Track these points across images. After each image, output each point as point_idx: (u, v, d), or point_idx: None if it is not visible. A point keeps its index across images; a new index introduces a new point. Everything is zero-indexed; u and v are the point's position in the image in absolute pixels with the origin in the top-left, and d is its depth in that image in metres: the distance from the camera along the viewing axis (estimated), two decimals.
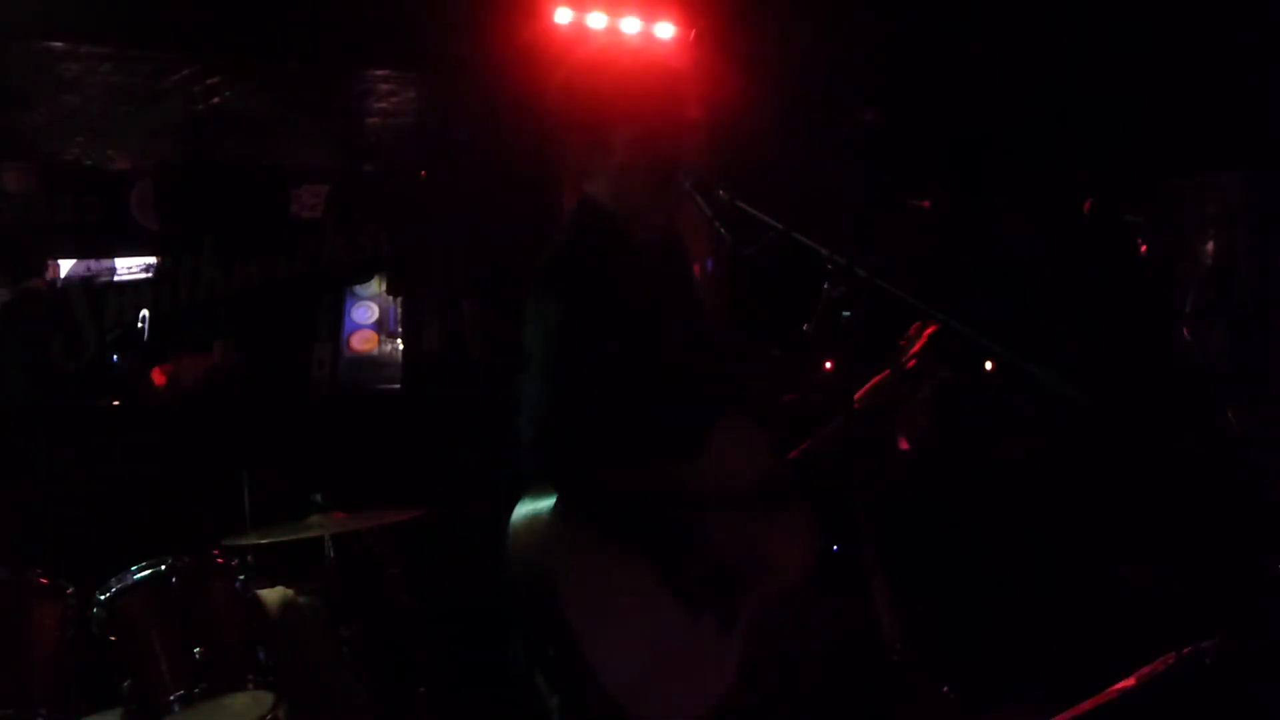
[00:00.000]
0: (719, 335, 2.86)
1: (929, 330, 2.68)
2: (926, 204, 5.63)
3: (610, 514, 2.41)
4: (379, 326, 5.82)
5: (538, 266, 2.52)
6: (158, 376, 5.07)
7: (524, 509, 2.39)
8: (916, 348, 2.68)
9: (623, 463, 2.40)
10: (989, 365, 2.59)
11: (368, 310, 5.79)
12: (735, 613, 2.50)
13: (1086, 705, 2.75)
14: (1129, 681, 2.74)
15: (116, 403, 5.01)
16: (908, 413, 2.68)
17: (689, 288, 2.81)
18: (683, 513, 2.46)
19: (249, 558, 3.66)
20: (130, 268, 5.15)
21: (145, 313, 5.00)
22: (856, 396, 2.65)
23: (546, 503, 2.36)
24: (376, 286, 5.77)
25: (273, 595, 3.92)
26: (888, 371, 2.69)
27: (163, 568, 3.37)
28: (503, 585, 2.40)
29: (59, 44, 4.68)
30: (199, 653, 3.29)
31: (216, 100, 5.06)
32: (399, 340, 5.80)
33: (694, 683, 2.44)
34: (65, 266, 5.08)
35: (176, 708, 3.25)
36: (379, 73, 5.35)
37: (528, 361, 2.43)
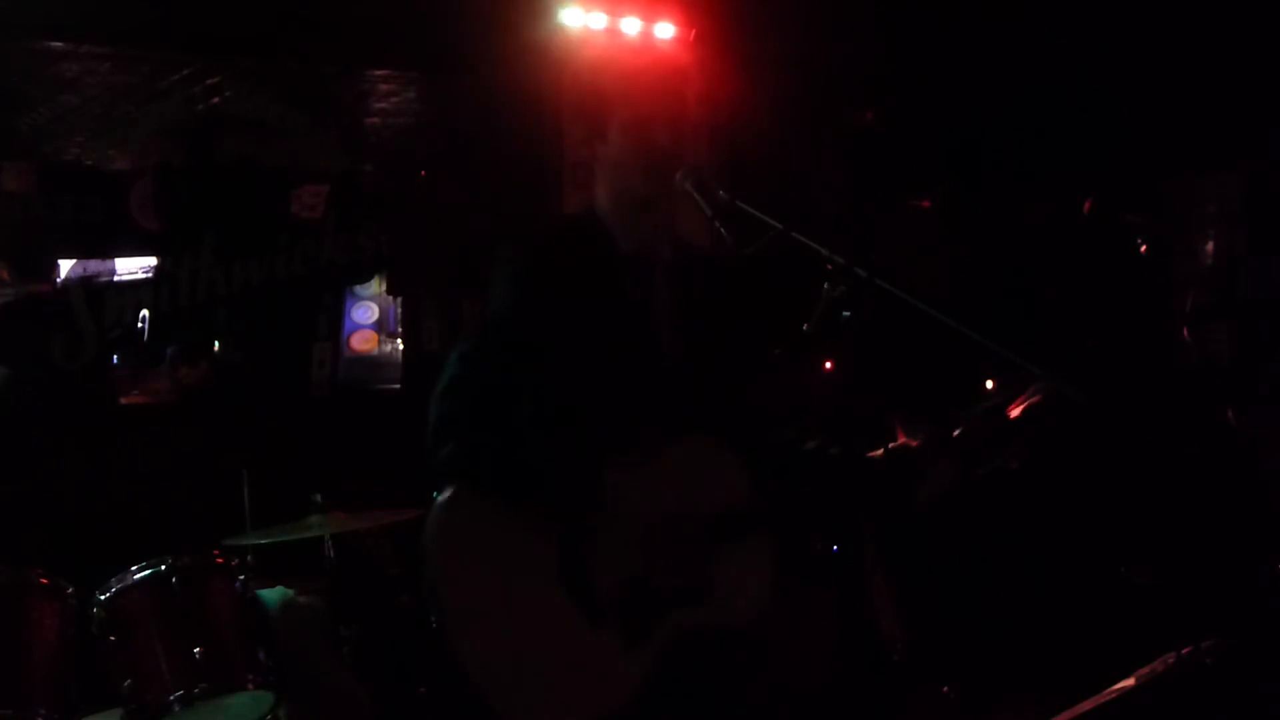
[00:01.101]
0: (730, 353, 2.76)
1: (1035, 399, 2.59)
2: (926, 204, 5.63)
3: (511, 497, 2.41)
4: (379, 326, 5.82)
5: (501, 250, 2.58)
6: (157, 380, 5.07)
7: (445, 492, 2.43)
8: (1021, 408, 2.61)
9: (531, 449, 2.40)
10: (990, 384, 2.58)
11: (368, 310, 5.79)
12: (646, 632, 2.42)
13: (1086, 705, 2.75)
14: (1129, 681, 2.74)
15: (116, 403, 5.01)
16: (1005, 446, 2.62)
17: (703, 306, 2.70)
18: (587, 509, 2.41)
19: (249, 558, 3.66)
20: (130, 268, 5.15)
21: (145, 313, 5.00)
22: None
23: (453, 491, 2.41)
24: (376, 286, 5.76)
25: (273, 595, 3.93)
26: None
27: (163, 568, 3.36)
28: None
29: (59, 44, 4.69)
30: (199, 653, 3.29)
31: (216, 100, 5.06)
32: (399, 340, 5.80)
33: (578, 690, 2.37)
34: (65, 267, 5.07)
35: (176, 708, 3.25)
36: (379, 73, 5.35)
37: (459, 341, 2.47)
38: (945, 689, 4.00)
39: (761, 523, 2.57)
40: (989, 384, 2.59)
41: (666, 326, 2.64)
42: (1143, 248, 3.21)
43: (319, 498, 3.91)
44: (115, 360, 5.04)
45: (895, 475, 2.61)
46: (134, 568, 3.37)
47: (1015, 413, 2.59)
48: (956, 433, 2.58)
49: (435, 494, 2.46)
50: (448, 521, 2.40)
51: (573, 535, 2.41)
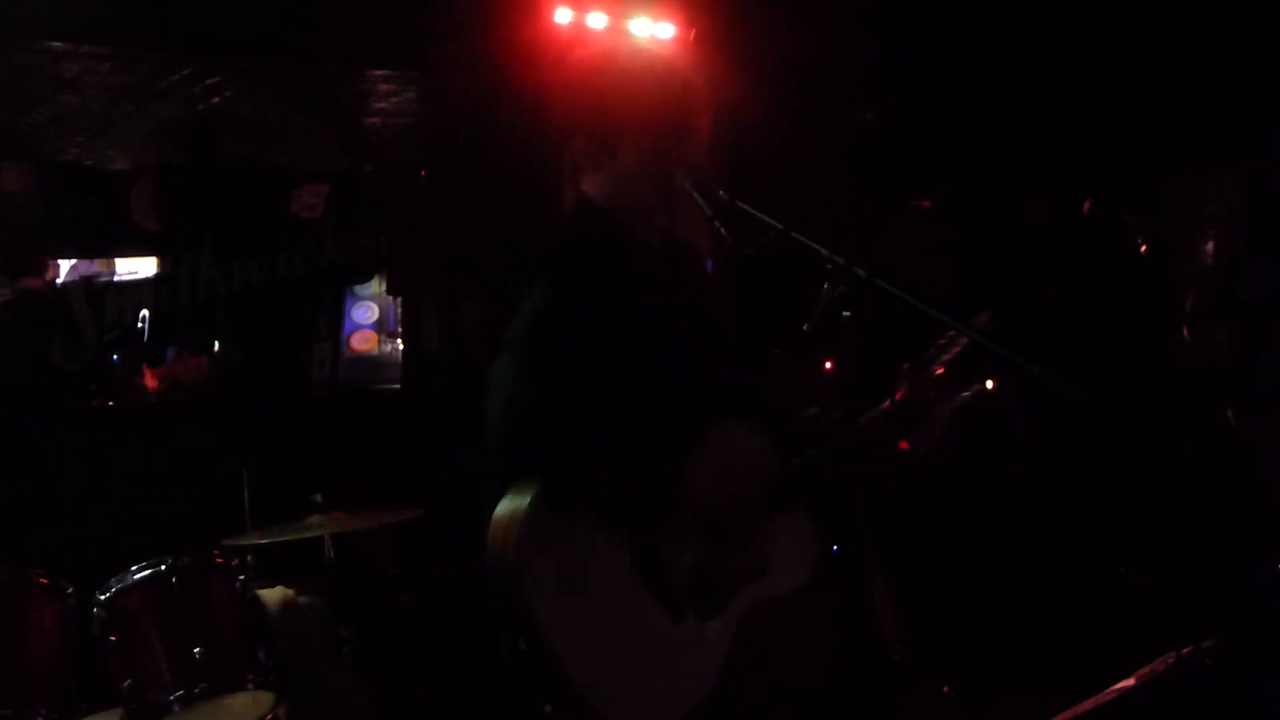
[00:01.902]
0: (729, 340, 2.80)
1: (960, 343, 2.62)
2: (927, 204, 5.63)
3: (590, 508, 2.38)
4: (379, 326, 5.82)
5: (529, 258, 2.52)
6: (150, 380, 5.06)
7: (505, 504, 2.36)
8: (948, 357, 2.63)
9: (606, 456, 2.37)
10: (990, 384, 2.57)
11: (368, 310, 5.79)
12: (721, 617, 2.47)
13: (1086, 705, 2.75)
14: (1129, 681, 2.74)
15: (116, 403, 5.01)
16: (926, 424, 2.61)
17: (697, 292, 2.76)
18: (668, 511, 2.43)
19: (249, 558, 3.67)
20: (130, 268, 5.15)
21: (145, 313, 5.00)
22: (879, 410, 2.60)
23: (526, 497, 2.33)
24: (376, 286, 5.76)
25: (273, 595, 3.93)
26: (905, 386, 2.62)
27: (163, 568, 3.37)
28: (484, 583, 2.38)
29: (59, 44, 4.68)
30: (199, 653, 3.29)
31: (216, 100, 5.06)
32: (399, 340, 5.80)
33: (671, 686, 2.39)
34: (65, 267, 5.08)
35: (176, 708, 3.25)
36: (379, 73, 5.35)
37: (503, 346, 2.41)
38: (945, 689, 4.00)
39: (797, 490, 2.60)
40: (989, 384, 2.59)
41: (683, 324, 2.67)
42: (1143, 248, 3.21)
43: (319, 498, 3.91)
44: (115, 360, 5.04)
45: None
46: (134, 568, 3.38)
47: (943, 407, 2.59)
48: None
49: (487, 509, 2.41)
50: (532, 537, 2.31)
51: (643, 534, 2.41)
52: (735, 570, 2.49)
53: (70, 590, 3.35)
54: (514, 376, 2.38)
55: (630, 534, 2.39)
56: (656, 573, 2.40)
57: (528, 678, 2.36)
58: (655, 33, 5.30)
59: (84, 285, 4.96)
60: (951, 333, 2.59)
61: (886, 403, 2.57)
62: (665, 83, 2.57)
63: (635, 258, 2.59)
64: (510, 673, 2.43)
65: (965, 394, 2.60)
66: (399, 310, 5.78)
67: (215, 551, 3.57)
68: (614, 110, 2.54)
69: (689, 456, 2.48)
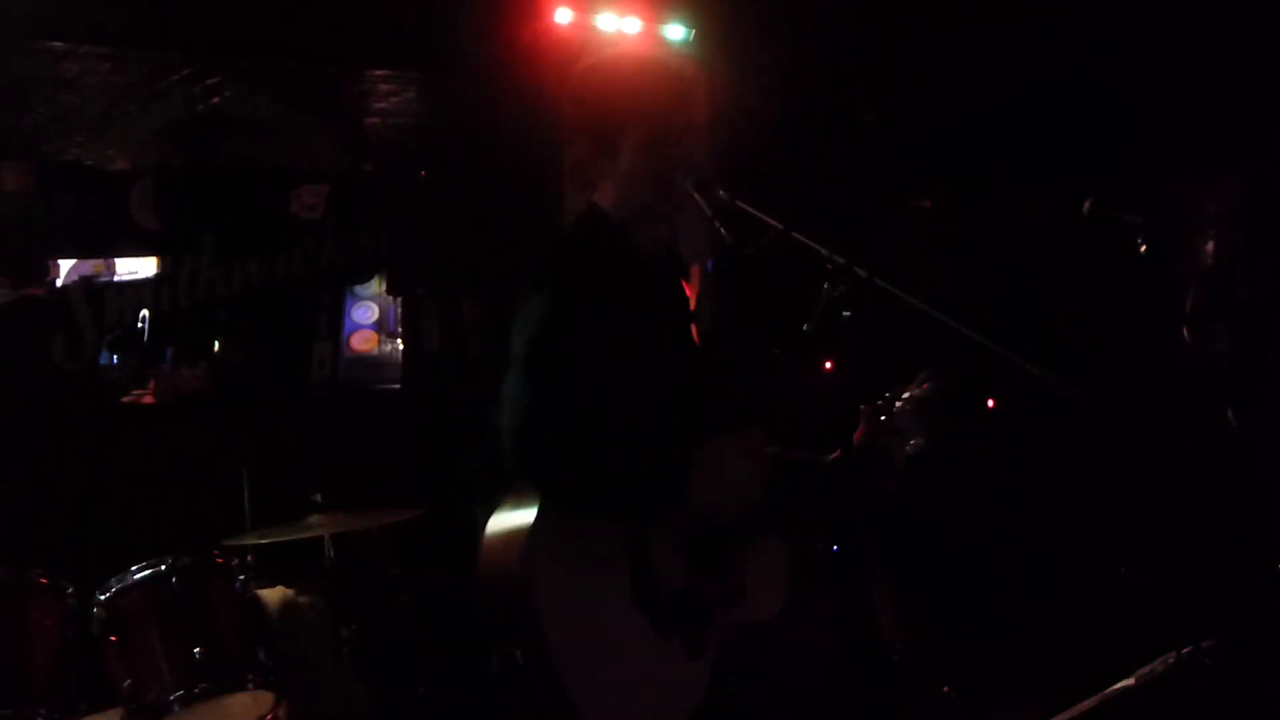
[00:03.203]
0: (715, 351, 2.81)
1: (923, 386, 2.63)
2: (927, 204, 5.64)
3: (596, 514, 2.38)
4: (379, 326, 5.82)
5: (531, 266, 2.50)
6: (149, 397, 5.07)
7: (502, 513, 2.36)
8: (902, 405, 2.65)
9: (607, 467, 2.36)
10: (990, 403, 2.57)
11: (368, 310, 5.79)
12: (702, 638, 2.46)
13: (1086, 705, 2.75)
14: (1129, 681, 2.74)
15: (116, 403, 5.01)
16: (883, 466, 2.65)
17: (685, 303, 2.77)
18: (663, 528, 2.43)
19: (249, 558, 3.67)
20: (130, 268, 5.15)
21: (145, 313, 5.00)
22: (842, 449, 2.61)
23: (526, 507, 2.32)
24: (376, 286, 5.76)
25: (273, 595, 3.93)
26: (864, 428, 2.63)
27: (163, 568, 3.37)
28: (477, 590, 2.37)
29: (59, 44, 4.69)
30: (199, 653, 3.29)
31: (216, 100, 5.06)
32: (399, 340, 5.80)
33: (660, 703, 2.39)
34: (65, 267, 5.08)
35: (176, 708, 3.25)
36: (379, 73, 5.35)
37: (512, 361, 2.39)
38: (945, 689, 4.00)
39: (778, 519, 2.60)
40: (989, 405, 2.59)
41: (686, 330, 2.67)
42: (1143, 248, 3.21)
43: (319, 498, 3.91)
44: (115, 360, 5.04)
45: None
46: (134, 568, 3.38)
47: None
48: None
49: (480, 513, 2.40)
50: (539, 546, 2.30)
51: (639, 548, 2.40)
52: (716, 596, 2.49)
53: (70, 590, 3.35)
54: (522, 388, 2.35)
55: (627, 550, 2.39)
56: (650, 589, 2.39)
57: (517, 689, 2.35)
58: (655, 33, 5.30)
59: (84, 285, 4.96)
60: (923, 374, 2.63)
61: (844, 444, 2.59)
62: (663, 85, 2.57)
63: (640, 263, 2.60)
64: (499, 684, 2.43)
65: (914, 443, 2.61)
66: (399, 310, 5.78)
67: (215, 551, 3.57)
68: (613, 114, 2.54)
69: (690, 464, 2.47)
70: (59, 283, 4.99)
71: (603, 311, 2.45)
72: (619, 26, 5.26)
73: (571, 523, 2.34)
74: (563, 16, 5.13)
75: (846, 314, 2.31)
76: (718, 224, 2.43)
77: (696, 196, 2.48)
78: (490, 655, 2.43)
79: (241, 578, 3.52)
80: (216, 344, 5.21)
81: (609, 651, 2.33)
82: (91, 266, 5.12)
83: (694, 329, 2.77)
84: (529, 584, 2.25)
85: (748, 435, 2.60)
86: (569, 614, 2.27)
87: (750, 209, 2.42)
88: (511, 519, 2.33)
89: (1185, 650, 2.70)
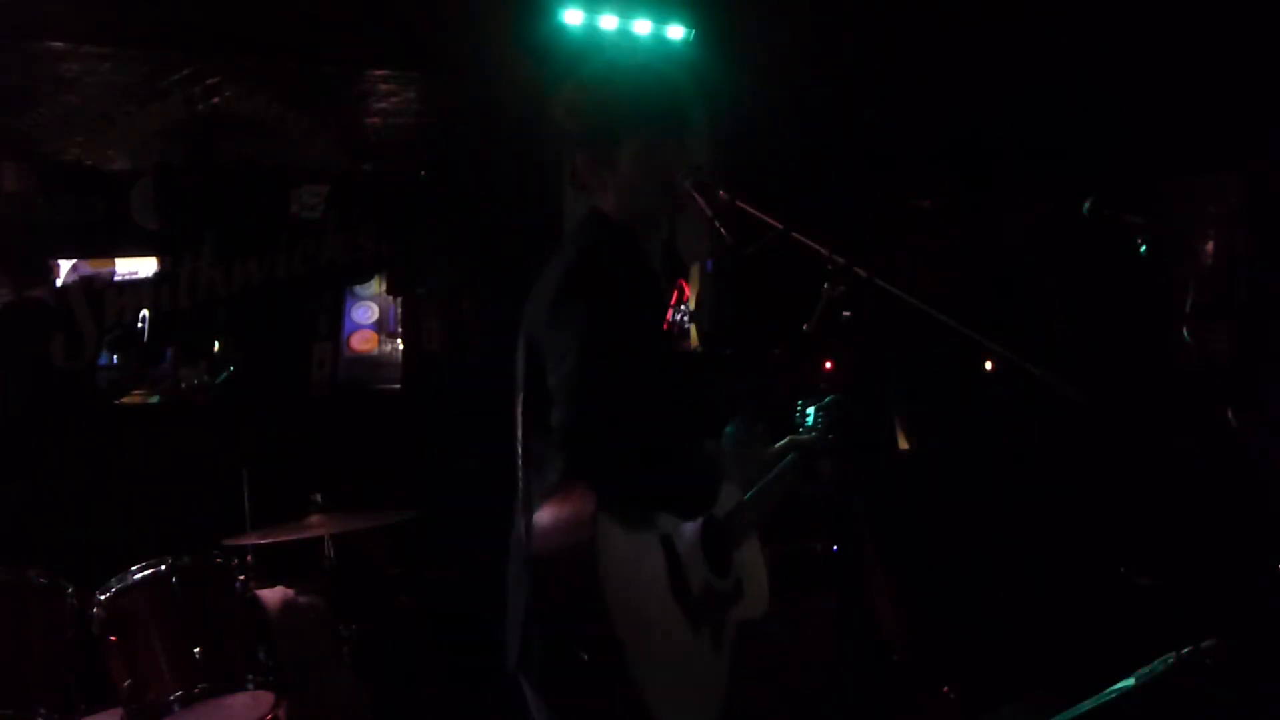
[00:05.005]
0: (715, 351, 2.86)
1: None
2: (927, 204, 5.64)
3: (634, 515, 2.39)
4: (379, 326, 5.82)
5: (559, 276, 2.48)
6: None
7: (553, 503, 2.37)
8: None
9: (661, 464, 2.40)
10: (989, 365, 2.57)
11: (368, 310, 5.79)
12: (723, 631, 2.50)
13: (1086, 705, 2.75)
14: (1129, 681, 2.74)
15: (116, 403, 5.01)
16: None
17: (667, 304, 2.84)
18: (685, 526, 2.45)
19: (249, 558, 3.67)
20: (130, 268, 5.15)
21: (145, 313, 5.00)
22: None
23: (584, 503, 2.33)
24: (376, 286, 5.76)
25: (273, 595, 3.93)
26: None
27: (163, 568, 3.37)
28: (527, 583, 2.38)
29: (59, 44, 4.69)
30: (199, 653, 3.29)
31: (216, 100, 5.06)
32: (399, 340, 5.80)
33: (701, 695, 2.43)
34: (65, 267, 5.07)
35: (176, 708, 3.25)
36: (379, 73, 5.35)
37: (559, 361, 2.39)
38: (945, 689, 4.01)
39: (759, 517, 2.64)
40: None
41: (680, 330, 2.69)
42: (1143, 248, 3.21)
43: (319, 498, 3.92)
44: (115, 360, 5.04)
45: None
46: (134, 568, 3.38)
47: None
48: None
49: (519, 519, 2.42)
50: (603, 534, 2.31)
51: (669, 544, 2.42)
52: (725, 595, 2.52)
53: (70, 590, 3.35)
54: (574, 390, 2.35)
55: (661, 542, 2.41)
56: (684, 583, 2.41)
57: (563, 675, 2.35)
58: (655, 33, 5.30)
59: (84, 285, 4.95)
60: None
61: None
62: (657, 93, 2.58)
63: (646, 269, 2.61)
64: (510, 674, 2.43)
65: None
66: (399, 310, 5.77)
67: (215, 551, 3.57)
68: (608, 126, 2.55)
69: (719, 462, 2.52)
70: (59, 283, 4.98)
71: (633, 318, 2.46)
72: (620, 26, 5.26)
73: (622, 515, 2.36)
74: (564, 17, 5.13)
75: (846, 314, 2.31)
76: (718, 224, 2.44)
77: (696, 196, 2.48)
78: (510, 649, 2.43)
79: (241, 578, 3.52)
80: (216, 344, 5.21)
81: (665, 647, 2.35)
82: (91, 266, 5.11)
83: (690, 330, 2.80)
84: (598, 581, 2.26)
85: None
86: (627, 599, 2.29)
87: (750, 209, 2.42)
88: (566, 508, 2.34)
89: (1185, 650, 2.70)
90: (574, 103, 2.61)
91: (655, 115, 2.54)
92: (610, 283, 2.46)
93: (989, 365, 2.51)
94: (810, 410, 2.72)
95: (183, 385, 5.10)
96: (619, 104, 2.55)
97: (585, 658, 2.27)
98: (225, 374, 5.12)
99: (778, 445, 2.72)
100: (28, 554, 3.43)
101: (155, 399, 5.08)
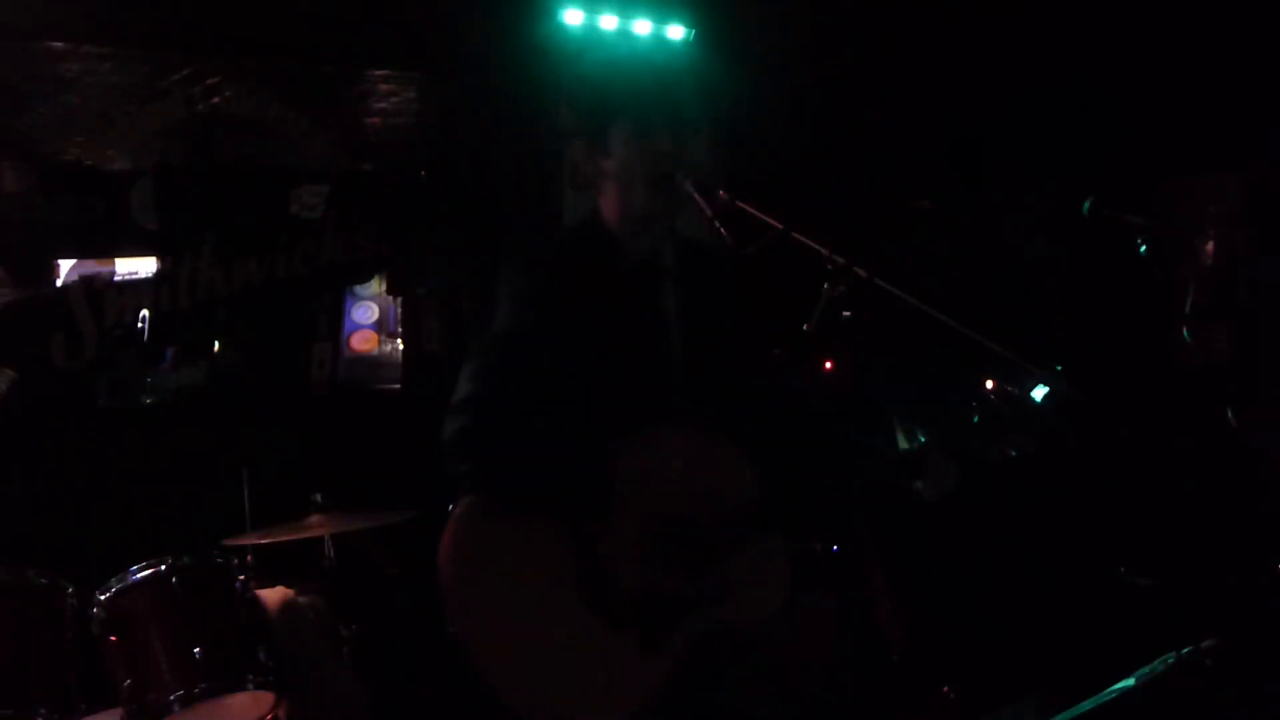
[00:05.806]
0: (744, 344, 2.80)
1: None
2: (927, 204, 5.64)
3: (523, 516, 2.41)
4: (379, 326, 5.82)
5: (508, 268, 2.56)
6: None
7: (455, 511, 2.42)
8: None
9: (523, 466, 2.42)
10: (990, 384, 2.57)
11: (368, 310, 5.79)
12: (665, 634, 2.44)
13: (1086, 705, 2.75)
14: (1129, 681, 2.74)
15: (116, 403, 5.01)
16: None
17: (709, 295, 2.72)
18: (611, 526, 2.43)
19: (249, 558, 3.67)
20: (130, 268, 5.14)
21: (145, 313, 5.00)
22: None
23: (469, 503, 2.40)
24: (376, 286, 5.76)
25: (273, 595, 3.93)
26: None
27: (163, 568, 3.37)
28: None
29: (59, 44, 4.68)
30: (199, 653, 3.29)
31: (216, 100, 5.06)
32: (399, 340, 5.80)
33: (602, 695, 2.39)
34: (65, 267, 5.07)
35: (176, 708, 3.25)
36: (379, 73, 5.35)
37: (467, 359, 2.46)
38: (945, 689, 4.00)
39: (772, 520, 2.58)
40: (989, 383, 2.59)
41: (675, 333, 2.65)
42: (1143, 247, 3.21)
43: (319, 498, 3.92)
44: (115, 360, 5.04)
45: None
46: (134, 568, 3.38)
47: None
48: None
49: (450, 506, 2.45)
50: (465, 534, 2.39)
51: (588, 542, 2.41)
52: (688, 594, 2.47)
53: (70, 590, 3.35)
54: (468, 379, 2.48)
55: (570, 539, 2.40)
56: (596, 580, 2.40)
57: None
58: (655, 33, 5.30)
59: (84, 285, 4.95)
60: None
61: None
62: (649, 77, 2.59)
63: (621, 277, 2.59)
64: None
65: None
66: (399, 310, 5.77)
67: (215, 551, 3.57)
68: (602, 109, 2.56)
69: (651, 470, 2.47)
70: (59, 283, 4.98)
71: (563, 317, 2.48)
72: (620, 26, 5.26)
73: (511, 515, 2.41)
74: (564, 17, 5.13)
75: (846, 314, 2.31)
76: (718, 224, 2.43)
77: (696, 196, 2.48)
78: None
79: (241, 578, 3.52)
80: (216, 344, 5.21)
81: (540, 641, 2.35)
82: (91, 266, 5.11)
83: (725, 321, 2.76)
84: (449, 568, 2.35)
85: (722, 440, 2.57)
86: (494, 601, 2.34)
87: (750, 209, 2.42)
88: (458, 510, 2.42)
89: (1185, 650, 2.70)
90: (571, 93, 2.63)
91: (647, 100, 2.53)
92: (538, 283, 2.52)
93: (990, 384, 2.51)
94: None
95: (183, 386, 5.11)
96: (612, 88, 2.56)
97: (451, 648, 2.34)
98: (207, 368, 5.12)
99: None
100: (28, 554, 3.43)
101: (155, 399, 5.09)
